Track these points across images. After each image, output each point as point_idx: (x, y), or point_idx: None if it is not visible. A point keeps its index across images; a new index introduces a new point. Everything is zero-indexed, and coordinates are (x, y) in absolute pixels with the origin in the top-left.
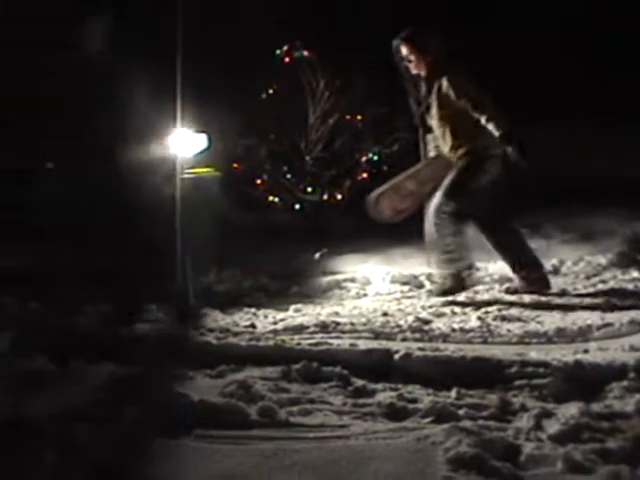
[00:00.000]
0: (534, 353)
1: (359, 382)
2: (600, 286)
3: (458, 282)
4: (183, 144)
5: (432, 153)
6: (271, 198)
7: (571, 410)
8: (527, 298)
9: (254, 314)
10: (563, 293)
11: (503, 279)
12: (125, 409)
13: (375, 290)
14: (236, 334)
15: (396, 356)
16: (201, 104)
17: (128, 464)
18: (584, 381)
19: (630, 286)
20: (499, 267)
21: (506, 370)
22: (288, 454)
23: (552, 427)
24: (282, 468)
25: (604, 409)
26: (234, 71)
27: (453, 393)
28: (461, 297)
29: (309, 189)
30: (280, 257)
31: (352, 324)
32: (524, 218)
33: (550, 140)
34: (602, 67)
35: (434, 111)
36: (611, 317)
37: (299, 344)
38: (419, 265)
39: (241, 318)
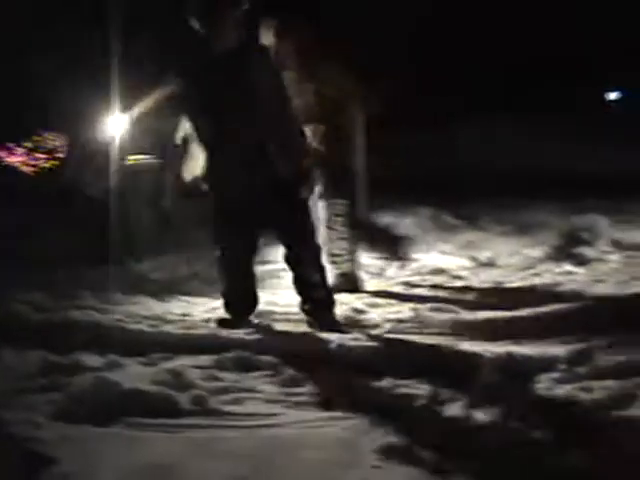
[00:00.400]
0: (466, 344)
1: (291, 371)
2: (534, 279)
3: (350, 281)
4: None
5: None
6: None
7: (501, 401)
8: (461, 290)
9: (188, 302)
10: (498, 285)
11: (438, 271)
12: (56, 397)
13: None
14: (170, 322)
15: (329, 345)
16: (141, 91)
17: (57, 452)
18: (515, 372)
19: (563, 279)
20: (434, 259)
21: (438, 360)
22: (219, 442)
23: (482, 417)
24: (213, 456)
25: (534, 400)
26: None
27: (385, 382)
28: (397, 288)
29: None
30: None
31: (286, 313)
32: (461, 210)
33: (488, 134)
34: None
35: None
36: (543, 310)
37: (233, 333)
38: None
39: (175, 306)
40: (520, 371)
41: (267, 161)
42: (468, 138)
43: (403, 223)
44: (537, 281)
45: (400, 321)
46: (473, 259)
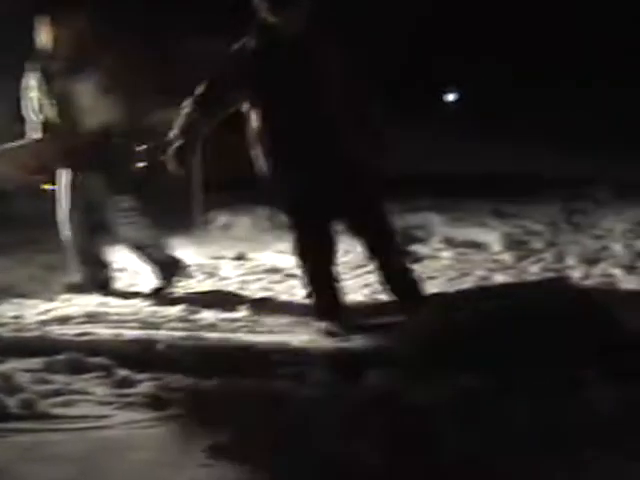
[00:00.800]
0: (297, 341)
1: (123, 372)
2: (368, 276)
3: (98, 280)
4: None
5: None
6: (46, 186)
7: (327, 395)
8: (295, 288)
9: (21, 304)
10: None
11: (273, 270)
12: None
13: (145, 280)
14: (0, 325)
15: (161, 345)
16: None
17: None
18: (346, 368)
19: None
20: (270, 258)
21: (270, 358)
22: (47, 446)
23: (314, 415)
24: (41, 460)
25: (363, 394)
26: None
27: (215, 382)
28: (232, 287)
29: None
30: (52, 247)
31: (120, 314)
32: None
33: None
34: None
35: None
36: (371, 306)
37: (64, 335)
38: (189, 256)
39: (7, 308)
40: (351, 366)
41: (345, 146)
42: None
43: (240, 222)
44: (370, 278)
45: (233, 320)
46: None
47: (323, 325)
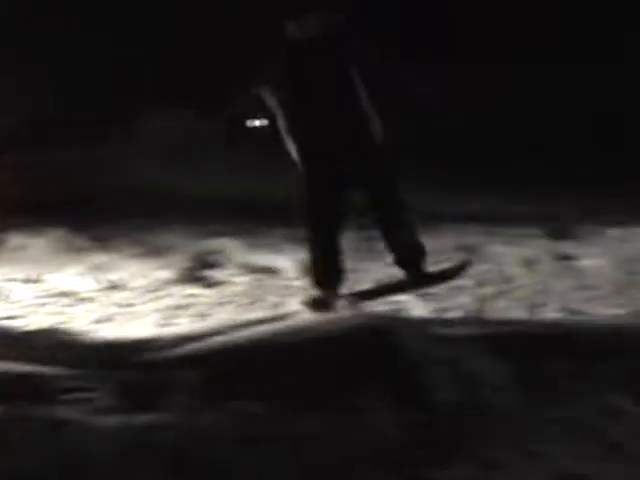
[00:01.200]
0: (89, 368)
1: None
2: (163, 300)
3: None
4: None
5: None
6: None
7: (114, 422)
8: (87, 312)
9: None
10: (127, 307)
11: (66, 293)
12: None
13: None
14: None
15: None
16: None
17: None
18: (138, 394)
19: (190, 301)
20: (63, 281)
21: (53, 385)
22: None
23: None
24: None
25: (149, 422)
26: None
27: None
28: (23, 310)
29: None
30: None
31: None
32: (96, 231)
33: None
34: None
35: None
36: (166, 330)
37: None
38: None
39: None
40: (139, 393)
41: (362, 123)
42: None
43: (34, 243)
44: (165, 303)
45: (23, 345)
46: (103, 281)
47: (315, 295)
